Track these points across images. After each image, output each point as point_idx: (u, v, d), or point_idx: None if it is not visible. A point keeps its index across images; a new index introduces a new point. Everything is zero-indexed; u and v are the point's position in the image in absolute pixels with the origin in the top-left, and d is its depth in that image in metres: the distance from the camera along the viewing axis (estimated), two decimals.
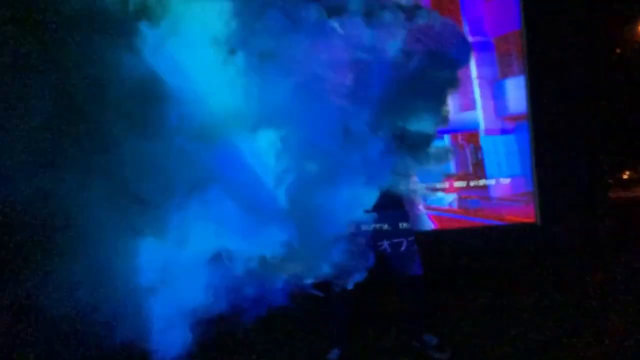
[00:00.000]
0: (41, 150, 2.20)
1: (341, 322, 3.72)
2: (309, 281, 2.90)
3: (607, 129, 8.52)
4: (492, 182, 6.79)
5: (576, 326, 4.13)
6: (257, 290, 2.74)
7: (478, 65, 6.74)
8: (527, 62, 6.73)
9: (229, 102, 2.59)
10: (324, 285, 3.05)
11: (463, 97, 6.70)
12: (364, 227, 3.50)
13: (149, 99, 2.36)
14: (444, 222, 6.79)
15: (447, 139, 6.77)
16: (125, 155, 2.32)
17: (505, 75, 6.78)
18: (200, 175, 2.51)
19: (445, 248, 6.10)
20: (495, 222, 6.79)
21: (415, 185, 3.70)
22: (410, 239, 3.62)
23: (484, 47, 6.76)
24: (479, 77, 6.68)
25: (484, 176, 6.81)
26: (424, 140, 3.30)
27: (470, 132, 6.77)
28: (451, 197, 6.80)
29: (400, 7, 2.95)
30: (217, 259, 2.64)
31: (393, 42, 2.83)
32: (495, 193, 6.82)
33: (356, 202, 2.92)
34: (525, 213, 6.83)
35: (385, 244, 3.53)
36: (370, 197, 3.01)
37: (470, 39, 6.70)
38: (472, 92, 6.72)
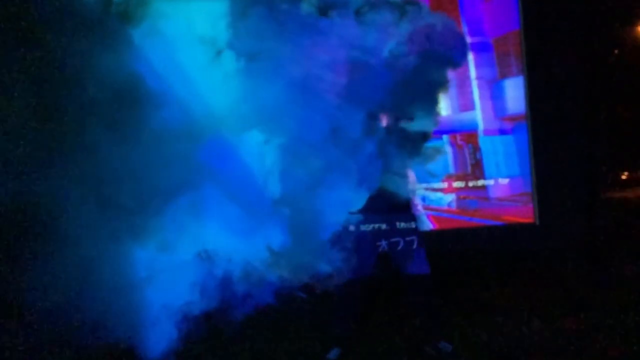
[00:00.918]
0: (18, 152, 2.18)
1: (344, 322, 3.70)
2: (296, 282, 2.89)
3: (606, 130, 8.52)
4: (490, 182, 6.79)
5: (575, 325, 4.12)
6: (246, 289, 2.74)
7: (477, 66, 6.73)
8: (526, 63, 6.73)
9: (219, 102, 2.59)
10: (308, 287, 3.03)
11: (462, 97, 6.70)
12: (365, 227, 3.51)
13: (130, 100, 2.35)
14: (443, 222, 6.78)
15: (445, 139, 6.76)
16: (105, 158, 2.32)
17: (504, 76, 6.78)
18: (188, 177, 2.51)
19: (443, 248, 6.09)
20: (493, 223, 6.78)
21: (413, 185, 3.67)
22: (415, 237, 3.60)
23: (483, 48, 6.76)
24: (478, 77, 6.68)
25: (482, 176, 6.80)
26: (420, 139, 3.30)
27: (469, 133, 6.76)
28: (450, 198, 6.79)
29: (391, 3, 2.93)
30: (203, 257, 2.64)
31: (388, 42, 2.82)
32: (493, 193, 6.82)
33: (345, 204, 2.90)
34: (524, 213, 6.83)
35: (385, 243, 3.51)
36: (360, 198, 2.99)
37: (468, 39, 6.70)
38: (471, 92, 6.72)
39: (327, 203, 2.77)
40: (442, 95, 3.46)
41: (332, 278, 2.97)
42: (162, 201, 2.46)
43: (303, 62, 2.59)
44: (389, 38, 2.82)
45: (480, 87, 6.70)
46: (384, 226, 3.53)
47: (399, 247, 3.54)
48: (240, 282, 2.72)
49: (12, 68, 2.16)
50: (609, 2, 8.09)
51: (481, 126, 6.75)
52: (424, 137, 3.33)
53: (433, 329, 3.66)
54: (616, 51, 10.13)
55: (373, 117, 2.87)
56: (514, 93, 6.73)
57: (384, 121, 3.23)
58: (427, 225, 6.70)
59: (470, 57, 6.70)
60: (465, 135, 6.76)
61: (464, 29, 6.70)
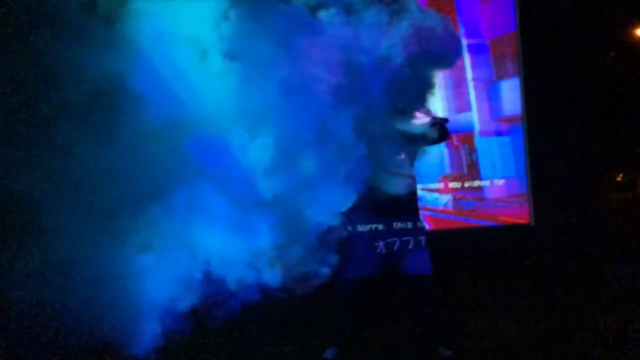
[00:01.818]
0: None
1: (344, 322, 3.68)
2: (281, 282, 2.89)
3: (601, 132, 8.53)
4: (486, 183, 6.79)
5: (571, 326, 4.12)
6: (232, 287, 2.75)
7: (473, 67, 6.74)
8: (522, 65, 6.74)
9: (205, 101, 2.59)
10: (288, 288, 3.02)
11: (458, 98, 6.70)
12: (370, 227, 3.49)
13: (110, 101, 2.35)
14: (439, 222, 6.78)
15: None
16: (86, 158, 2.32)
17: (500, 77, 6.79)
18: (172, 177, 2.51)
19: (439, 249, 6.09)
20: (489, 223, 6.79)
21: (414, 184, 3.65)
22: (421, 237, 3.56)
23: (479, 49, 6.77)
24: (475, 79, 6.68)
25: (478, 177, 6.81)
26: (413, 138, 3.31)
27: (465, 134, 6.76)
28: (446, 198, 6.79)
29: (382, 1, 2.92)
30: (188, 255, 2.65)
31: (379, 41, 2.81)
32: (489, 194, 6.82)
33: (331, 204, 2.90)
34: (520, 214, 6.84)
35: (382, 243, 3.50)
36: (347, 199, 2.98)
37: (465, 40, 6.71)
38: (468, 94, 6.72)
39: (314, 203, 2.76)
40: (432, 94, 3.47)
41: (313, 279, 2.97)
42: (145, 201, 2.46)
43: (292, 61, 2.58)
44: (381, 37, 2.81)
45: (476, 88, 6.71)
46: (390, 226, 3.52)
47: (405, 247, 3.53)
48: (226, 280, 2.72)
49: None
50: (604, 5, 8.11)
51: (477, 127, 6.75)
52: (419, 134, 3.34)
53: (433, 333, 3.64)
54: (612, 53, 10.14)
55: (364, 117, 2.86)
56: (510, 94, 6.75)
57: (376, 121, 3.22)
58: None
59: (467, 58, 6.71)
60: (462, 136, 6.76)
61: (461, 30, 6.71)
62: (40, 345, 2.47)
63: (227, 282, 2.73)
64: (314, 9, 2.76)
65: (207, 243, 2.66)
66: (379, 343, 3.93)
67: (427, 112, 3.43)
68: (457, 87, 6.59)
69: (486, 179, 6.81)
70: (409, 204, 3.58)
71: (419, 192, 5.75)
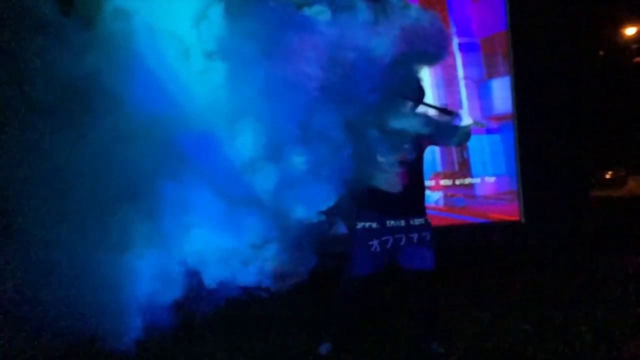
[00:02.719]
0: None
1: (342, 319, 3.66)
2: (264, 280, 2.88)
3: (591, 130, 8.56)
4: (477, 180, 6.80)
5: (560, 321, 4.13)
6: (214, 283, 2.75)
7: (465, 66, 6.74)
8: (513, 63, 6.74)
9: (188, 99, 2.58)
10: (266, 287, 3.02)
11: (450, 97, 6.70)
12: (378, 225, 3.48)
13: (84, 101, 2.34)
14: (430, 219, 6.78)
15: None
16: (58, 158, 2.31)
17: (491, 76, 6.79)
18: (148, 176, 2.50)
19: None
20: (480, 220, 6.80)
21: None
22: (425, 233, 3.57)
23: (470, 48, 6.76)
24: (466, 77, 6.68)
25: (469, 175, 6.82)
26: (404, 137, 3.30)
27: None
28: (437, 195, 6.80)
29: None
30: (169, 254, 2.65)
31: (368, 37, 2.80)
32: (480, 191, 6.83)
33: (315, 202, 2.89)
34: (510, 211, 6.85)
35: (390, 239, 3.47)
36: (330, 197, 2.97)
37: (457, 39, 6.71)
38: (459, 92, 6.72)
39: (298, 200, 2.76)
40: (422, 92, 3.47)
41: (290, 278, 2.96)
42: (126, 198, 2.46)
43: (275, 58, 2.57)
44: (369, 33, 2.80)
45: (467, 87, 6.71)
46: (397, 223, 3.51)
47: (409, 243, 3.50)
48: (209, 277, 2.72)
49: None
50: (594, 5, 8.13)
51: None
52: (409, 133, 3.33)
53: (427, 329, 3.63)
54: (601, 52, 10.18)
55: (352, 116, 2.85)
56: (501, 93, 6.75)
57: (364, 120, 3.22)
58: None
59: (458, 57, 6.71)
60: None
61: (453, 29, 6.70)
62: (21, 342, 2.47)
63: (211, 279, 2.73)
64: (300, 6, 2.75)
65: (190, 240, 2.66)
66: (372, 339, 3.94)
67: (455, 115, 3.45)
68: (449, 85, 6.59)
69: (477, 176, 6.82)
70: (416, 201, 3.57)
71: None
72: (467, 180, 6.81)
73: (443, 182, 6.79)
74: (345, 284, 3.56)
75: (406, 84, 3.22)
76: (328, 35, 2.64)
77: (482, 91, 6.74)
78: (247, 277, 2.81)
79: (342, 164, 2.75)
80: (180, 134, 2.54)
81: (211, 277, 2.73)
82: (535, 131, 6.59)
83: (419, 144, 3.50)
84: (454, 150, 6.73)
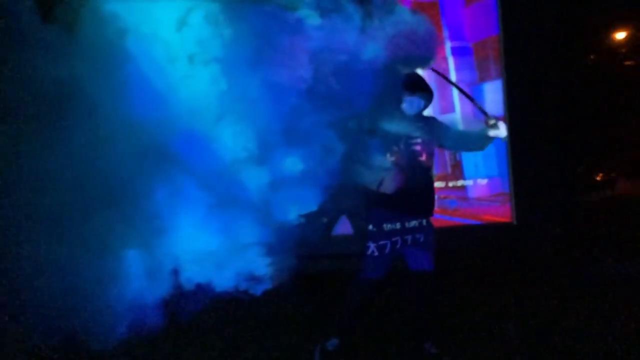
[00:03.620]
0: None
1: (351, 317, 3.61)
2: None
3: (582, 133, 8.57)
4: (469, 182, 6.80)
5: (552, 322, 4.14)
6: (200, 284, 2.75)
7: (457, 69, 6.74)
8: (505, 67, 6.75)
9: (173, 102, 2.58)
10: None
11: (442, 100, 6.70)
12: (390, 226, 3.46)
13: (61, 105, 2.33)
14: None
15: None
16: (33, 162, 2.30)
17: (483, 80, 6.80)
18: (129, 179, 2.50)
19: None
20: (472, 222, 6.80)
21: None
22: (430, 234, 3.59)
23: (463, 52, 6.77)
24: (458, 81, 6.67)
25: (462, 177, 6.82)
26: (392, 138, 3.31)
27: None
28: None
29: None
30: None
31: (357, 40, 2.80)
32: (472, 193, 6.83)
33: (299, 204, 2.88)
34: (502, 213, 6.85)
35: (399, 240, 3.47)
36: (314, 200, 2.96)
37: (449, 43, 6.72)
38: (451, 95, 6.72)
39: (283, 203, 2.75)
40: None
41: (262, 281, 2.95)
42: (113, 199, 2.45)
43: (262, 62, 2.57)
44: (358, 36, 2.80)
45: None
46: (407, 223, 3.50)
47: (416, 243, 3.52)
48: (196, 277, 2.72)
49: None
50: (585, 9, 8.15)
51: (461, 128, 6.75)
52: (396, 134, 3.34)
53: (423, 329, 3.62)
54: (592, 56, 10.20)
55: (340, 118, 2.84)
56: (493, 96, 6.76)
57: (353, 122, 3.21)
58: None
59: (451, 61, 6.72)
60: None
61: (445, 33, 6.72)
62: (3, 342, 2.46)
63: (194, 279, 2.73)
64: (288, 9, 2.74)
65: (171, 241, 2.65)
66: (369, 338, 3.93)
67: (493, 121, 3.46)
68: (441, 88, 6.58)
69: (469, 178, 6.82)
70: (427, 202, 3.57)
71: None
72: (460, 183, 6.81)
73: (436, 184, 6.77)
74: (358, 284, 3.53)
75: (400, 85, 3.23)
76: (316, 39, 2.64)
77: (474, 94, 6.73)
78: (229, 279, 2.80)
79: (328, 167, 2.75)
80: (161, 137, 2.53)
81: (194, 278, 2.73)
82: (527, 134, 6.59)
83: (431, 145, 3.53)
84: (446, 153, 6.72)
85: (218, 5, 2.63)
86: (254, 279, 2.89)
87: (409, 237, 3.48)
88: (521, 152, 6.66)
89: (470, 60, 6.79)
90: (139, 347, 3.45)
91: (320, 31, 2.69)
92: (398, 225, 3.46)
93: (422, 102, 3.51)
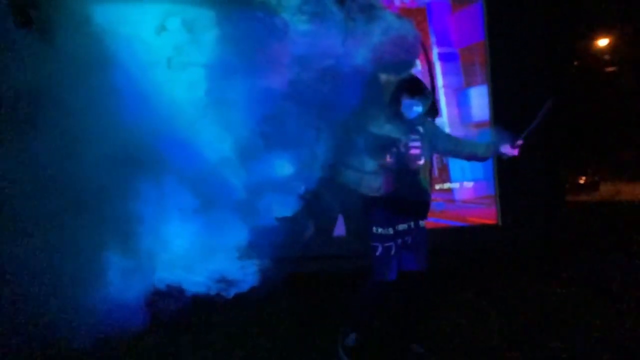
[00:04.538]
0: None
1: (365, 312, 3.62)
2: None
3: (565, 137, 8.63)
4: (456, 185, 6.83)
5: (537, 322, 4.16)
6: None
7: (444, 75, 6.77)
8: (490, 72, 6.79)
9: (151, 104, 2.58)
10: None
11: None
12: (397, 228, 3.46)
13: (31, 109, 2.33)
14: None
15: None
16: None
17: (469, 85, 6.83)
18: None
19: None
20: (459, 224, 6.82)
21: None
22: (424, 235, 3.61)
23: (450, 58, 6.80)
24: (445, 86, 6.71)
25: (448, 180, 6.84)
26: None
27: None
28: None
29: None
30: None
31: (342, 43, 2.80)
32: (459, 196, 6.86)
33: (275, 208, 2.89)
34: (488, 215, 6.88)
35: (400, 241, 3.48)
36: (291, 205, 2.96)
37: (437, 49, 6.75)
38: (438, 100, 6.74)
39: (267, 205, 2.76)
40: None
41: (235, 284, 2.94)
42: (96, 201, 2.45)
43: (249, 66, 2.58)
44: (341, 40, 2.80)
45: (447, 95, 6.74)
46: (410, 224, 3.52)
47: (415, 244, 3.54)
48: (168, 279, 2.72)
49: None
50: (569, 17, 8.20)
51: (448, 132, 6.77)
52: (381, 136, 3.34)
53: (410, 329, 3.63)
54: (576, 63, 10.28)
55: (322, 123, 2.84)
56: (479, 101, 6.79)
57: (347, 125, 3.22)
58: None
59: (438, 66, 6.75)
60: None
61: (432, 39, 6.74)
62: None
63: (170, 281, 2.73)
64: (271, 12, 2.74)
65: (147, 244, 2.65)
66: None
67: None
68: None
69: (456, 181, 6.85)
70: (424, 204, 3.58)
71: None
72: (447, 185, 6.84)
73: None
74: (373, 288, 3.52)
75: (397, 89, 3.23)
76: (298, 43, 2.64)
77: (460, 99, 6.77)
78: (205, 280, 2.80)
79: (313, 170, 2.76)
80: (138, 140, 2.53)
81: (175, 279, 2.72)
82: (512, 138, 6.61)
83: (429, 149, 3.53)
84: (434, 156, 6.74)
85: (196, 10, 2.63)
86: (235, 279, 2.88)
87: (409, 238, 3.49)
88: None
89: (456, 65, 6.82)
90: (116, 347, 3.40)
91: (303, 35, 2.70)
92: (400, 227, 3.46)
93: (421, 106, 3.47)
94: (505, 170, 6.71)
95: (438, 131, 3.68)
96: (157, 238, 2.70)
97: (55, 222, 2.47)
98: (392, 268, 3.45)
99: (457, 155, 3.68)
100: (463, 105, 6.76)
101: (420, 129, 3.51)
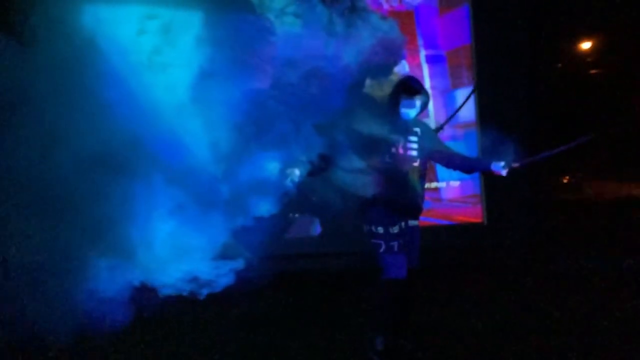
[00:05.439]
0: None
1: (389, 310, 3.49)
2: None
3: (548, 137, 8.68)
4: (443, 185, 6.88)
5: (520, 318, 4.19)
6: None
7: (431, 77, 6.81)
8: (476, 74, 6.84)
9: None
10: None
11: None
12: (399, 226, 3.44)
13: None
14: None
15: None
16: None
17: (456, 87, 6.88)
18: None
19: None
20: (445, 222, 6.87)
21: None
22: (418, 233, 3.59)
23: (437, 60, 6.84)
24: (432, 87, 6.75)
25: (435, 179, 6.89)
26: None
27: None
28: None
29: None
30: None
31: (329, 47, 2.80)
32: (445, 195, 6.91)
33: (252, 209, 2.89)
34: (473, 213, 6.94)
35: (404, 239, 3.45)
36: (270, 206, 2.95)
37: (424, 52, 6.78)
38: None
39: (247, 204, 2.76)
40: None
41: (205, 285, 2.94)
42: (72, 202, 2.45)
43: (229, 67, 2.57)
44: (325, 41, 2.79)
45: (434, 96, 6.76)
46: (409, 223, 3.52)
47: (411, 243, 3.52)
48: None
49: None
50: (553, 20, 8.26)
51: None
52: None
53: (401, 326, 3.61)
54: (559, 65, 10.34)
55: (303, 125, 2.84)
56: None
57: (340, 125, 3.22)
58: None
59: (425, 68, 6.79)
60: None
61: (420, 42, 6.78)
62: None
63: (148, 281, 2.72)
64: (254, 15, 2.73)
65: (126, 242, 2.65)
66: (343, 335, 3.94)
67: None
68: None
69: (443, 180, 6.90)
70: (418, 205, 3.57)
71: None
72: (434, 185, 6.88)
73: None
74: (385, 286, 3.43)
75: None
76: (282, 44, 2.63)
77: (447, 100, 6.81)
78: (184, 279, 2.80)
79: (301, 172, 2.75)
80: (115, 141, 2.52)
81: (154, 275, 2.72)
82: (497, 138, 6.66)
83: (424, 150, 3.51)
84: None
85: (174, 12, 2.63)
86: (220, 277, 2.88)
87: (404, 237, 3.47)
88: (491, 156, 6.71)
89: (443, 67, 6.86)
90: (99, 343, 3.39)
91: (286, 36, 2.69)
92: (397, 225, 3.43)
93: (420, 106, 3.45)
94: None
95: (433, 135, 3.65)
96: (141, 234, 2.68)
97: (35, 220, 2.46)
98: (401, 265, 3.41)
99: (449, 164, 3.62)
100: (450, 107, 6.80)
101: (418, 130, 3.50)
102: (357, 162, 3.39)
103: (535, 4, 7.05)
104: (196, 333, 4.05)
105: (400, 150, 3.40)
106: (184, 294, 2.92)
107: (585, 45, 11.22)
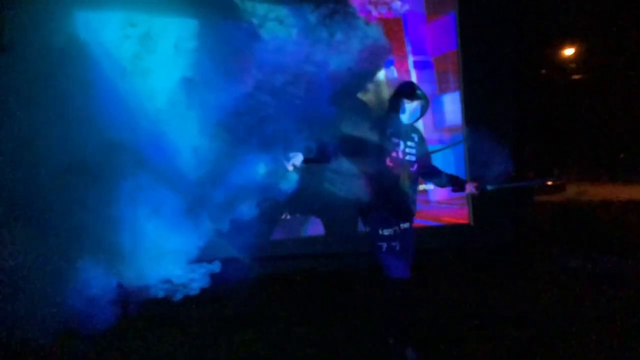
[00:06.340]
0: None
1: (398, 311, 3.48)
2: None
3: (533, 140, 8.77)
4: (430, 187, 6.91)
5: (504, 316, 4.23)
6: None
7: (419, 82, 6.82)
8: (463, 80, 6.90)
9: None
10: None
11: None
12: (399, 227, 3.46)
13: None
14: None
15: None
16: None
17: (443, 91, 6.93)
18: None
19: None
20: (433, 223, 6.92)
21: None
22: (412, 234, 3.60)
23: (424, 66, 6.89)
24: None
25: (423, 182, 6.89)
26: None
27: None
28: None
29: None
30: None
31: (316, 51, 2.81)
32: (433, 197, 6.96)
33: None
34: (460, 215, 7.00)
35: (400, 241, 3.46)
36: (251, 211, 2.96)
37: (412, 57, 6.83)
38: None
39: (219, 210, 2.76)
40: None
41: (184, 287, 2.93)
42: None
43: (215, 73, 2.58)
44: (311, 47, 2.81)
45: None
46: (407, 224, 3.54)
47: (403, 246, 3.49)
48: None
49: None
50: (537, 28, 8.34)
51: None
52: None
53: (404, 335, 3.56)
54: (543, 70, 10.44)
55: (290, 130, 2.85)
56: (452, 107, 6.90)
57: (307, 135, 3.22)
58: None
59: (413, 74, 6.82)
60: None
61: (408, 48, 6.82)
62: None
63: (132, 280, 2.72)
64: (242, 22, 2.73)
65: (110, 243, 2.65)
66: (339, 338, 3.92)
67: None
68: None
69: (430, 183, 6.93)
70: (413, 207, 3.59)
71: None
72: (422, 187, 6.90)
73: None
74: (392, 287, 3.42)
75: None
76: (269, 50, 2.64)
77: (434, 105, 6.85)
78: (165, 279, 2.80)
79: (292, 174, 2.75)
80: (103, 143, 2.52)
81: (139, 275, 2.71)
82: (483, 142, 6.70)
83: (419, 155, 3.53)
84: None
85: (154, 19, 2.63)
86: (207, 276, 2.88)
87: (401, 239, 3.48)
88: (477, 160, 6.77)
89: (431, 73, 6.91)
90: (84, 342, 3.26)
91: (272, 42, 2.70)
92: (397, 229, 3.44)
93: (420, 110, 3.47)
94: (476, 173, 6.80)
95: (424, 143, 3.66)
96: (126, 235, 2.69)
97: (22, 223, 2.46)
98: (404, 265, 3.41)
99: (426, 175, 3.74)
100: (437, 111, 6.85)
101: (415, 136, 3.52)
102: (359, 166, 3.41)
103: (520, 11, 7.12)
104: (187, 334, 4.02)
105: (400, 155, 3.41)
106: (175, 294, 2.92)
107: (569, 51, 11.34)
